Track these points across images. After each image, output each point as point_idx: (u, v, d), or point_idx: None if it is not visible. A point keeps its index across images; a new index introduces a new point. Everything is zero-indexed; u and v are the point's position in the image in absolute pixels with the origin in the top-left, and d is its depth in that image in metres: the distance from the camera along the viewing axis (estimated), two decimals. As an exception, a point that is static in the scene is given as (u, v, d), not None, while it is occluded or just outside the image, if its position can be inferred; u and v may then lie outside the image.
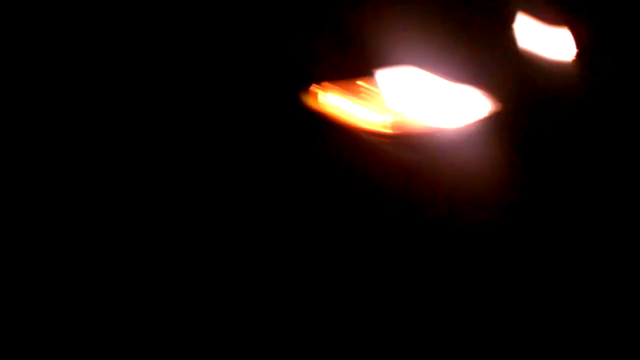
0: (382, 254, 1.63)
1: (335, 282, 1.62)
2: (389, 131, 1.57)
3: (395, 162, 1.58)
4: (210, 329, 1.55)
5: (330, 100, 1.57)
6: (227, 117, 1.65)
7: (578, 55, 2.01)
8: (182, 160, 1.66)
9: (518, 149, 1.72)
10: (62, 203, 1.67)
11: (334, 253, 1.62)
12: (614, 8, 2.30)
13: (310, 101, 1.58)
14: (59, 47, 1.72)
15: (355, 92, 1.57)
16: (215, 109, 1.66)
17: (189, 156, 1.66)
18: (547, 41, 1.95)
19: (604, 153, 2.03)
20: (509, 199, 1.72)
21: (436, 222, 1.64)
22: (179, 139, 1.66)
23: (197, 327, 1.55)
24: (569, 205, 1.92)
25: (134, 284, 1.60)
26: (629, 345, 1.61)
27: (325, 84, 1.58)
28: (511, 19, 1.88)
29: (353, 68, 1.59)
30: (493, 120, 1.65)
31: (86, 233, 1.65)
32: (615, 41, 2.25)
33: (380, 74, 1.57)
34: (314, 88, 1.58)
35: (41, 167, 1.69)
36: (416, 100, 1.58)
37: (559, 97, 1.90)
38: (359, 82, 1.57)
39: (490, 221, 1.70)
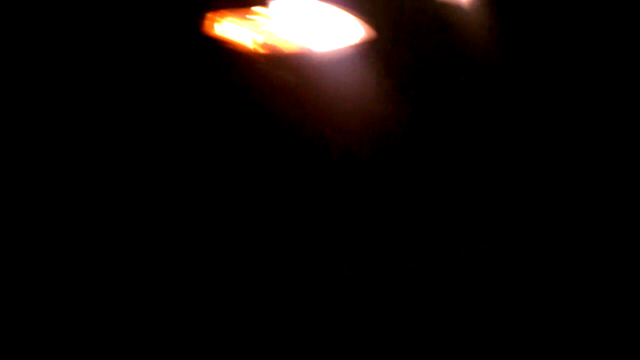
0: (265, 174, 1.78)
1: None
2: (275, 54, 1.71)
3: (280, 84, 1.73)
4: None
5: (224, 27, 1.72)
6: (124, 49, 1.76)
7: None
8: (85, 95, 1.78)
9: (392, 76, 1.85)
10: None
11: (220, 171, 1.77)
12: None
13: (206, 28, 1.72)
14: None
15: (247, 19, 1.72)
16: (111, 42, 1.76)
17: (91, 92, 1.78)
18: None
19: (480, 84, 2.12)
20: (380, 124, 1.83)
21: (313, 143, 1.77)
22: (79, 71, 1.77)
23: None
24: (441, 135, 2.02)
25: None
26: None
27: (219, 11, 1.72)
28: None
29: None
30: (370, 46, 1.78)
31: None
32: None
33: (270, 1, 1.72)
34: (209, 15, 1.72)
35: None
36: (300, 24, 1.73)
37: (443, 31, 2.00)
38: (250, 9, 1.72)
39: (363, 146, 1.82)
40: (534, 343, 1.47)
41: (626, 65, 2.69)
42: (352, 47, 1.76)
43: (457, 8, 2.07)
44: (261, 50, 1.72)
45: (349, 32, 1.77)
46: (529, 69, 2.50)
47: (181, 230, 1.78)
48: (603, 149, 2.21)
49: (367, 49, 1.78)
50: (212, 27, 1.72)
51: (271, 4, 1.72)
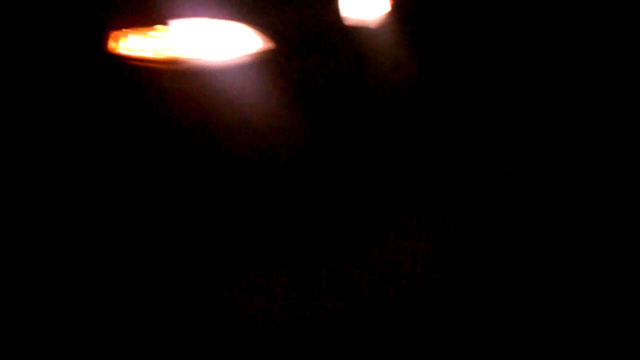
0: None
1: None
2: (176, 68, 1.79)
3: (181, 96, 1.82)
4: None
5: (128, 44, 1.80)
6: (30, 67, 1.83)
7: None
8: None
9: (291, 86, 1.93)
10: None
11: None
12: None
13: (109, 45, 1.80)
14: None
15: (149, 36, 1.80)
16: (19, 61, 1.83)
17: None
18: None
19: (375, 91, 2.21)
20: (278, 132, 1.93)
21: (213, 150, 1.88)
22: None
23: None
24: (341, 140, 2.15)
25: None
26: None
27: (123, 29, 1.80)
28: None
29: (146, 14, 1.80)
30: (268, 57, 1.87)
31: None
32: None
33: (172, 19, 1.79)
34: (112, 33, 1.80)
35: None
36: (200, 39, 1.81)
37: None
38: (152, 27, 1.79)
39: (260, 153, 1.92)
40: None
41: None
42: (249, 57, 1.84)
43: (364, 27, 2.13)
44: (163, 65, 1.79)
45: (246, 43, 1.84)
46: (433, 86, 2.58)
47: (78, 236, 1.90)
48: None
49: (265, 60, 1.86)
50: (116, 44, 1.80)
51: (172, 22, 1.79)
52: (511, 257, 1.80)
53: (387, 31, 2.21)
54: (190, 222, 1.98)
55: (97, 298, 1.74)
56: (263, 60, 1.86)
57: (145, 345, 1.59)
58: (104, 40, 1.80)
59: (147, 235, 1.95)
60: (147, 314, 1.69)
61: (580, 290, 1.65)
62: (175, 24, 1.79)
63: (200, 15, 1.82)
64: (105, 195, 1.93)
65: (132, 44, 1.80)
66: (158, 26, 1.79)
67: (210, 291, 1.76)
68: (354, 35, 2.10)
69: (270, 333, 1.60)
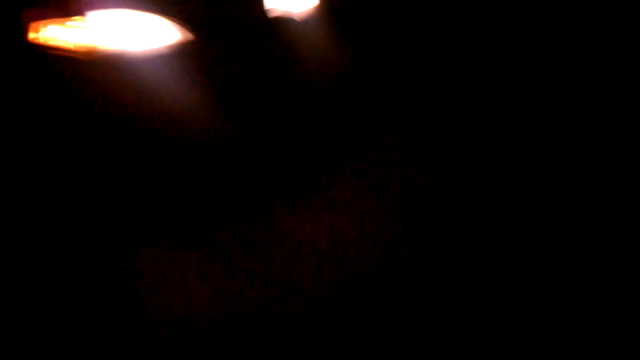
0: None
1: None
2: (95, 57, 1.81)
3: (100, 84, 1.83)
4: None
5: (47, 34, 1.81)
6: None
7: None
8: None
9: (209, 77, 1.96)
10: None
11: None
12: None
13: (28, 35, 1.80)
14: None
15: (68, 26, 1.81)
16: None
17: None
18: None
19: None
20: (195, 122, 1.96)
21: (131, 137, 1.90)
22: None
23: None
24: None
25: None
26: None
27: (42, 19, 1.80)
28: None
29: (66, 5, 1.82)
30: (187, 48, 1.88)
31: None
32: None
33: (91, 10, 1.80)
34: (31, 23, 1.80)
35: None
36: (118, 30, 1.84)
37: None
38: (71, 17, 1.80)
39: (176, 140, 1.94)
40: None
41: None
42: (168, 48, 1.86)
43: (289, 20, 2.17)
44: (83, 55, 1.80)
45: (165, 35, 1.86)
46: (359, 78, 2.65)
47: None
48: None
49: (183, 51, 1.89)
50: (35, 34, 1.80)
51: (90, 13, 1.80)
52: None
53: (314, 23, 2.23)
54: (106, 210, 2.00)
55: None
56: (181, 52, 1.88)
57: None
58: (23, 31, 1.79)
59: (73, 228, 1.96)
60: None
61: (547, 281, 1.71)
62: (94, 15, 1.79)
63: (119, 7, 1.82)
64: (30, 186, 1.94)
65: (51, 34, 1.79)
66: (77, 17, 1.79)
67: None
68: (279, 27, 2.12)
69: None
